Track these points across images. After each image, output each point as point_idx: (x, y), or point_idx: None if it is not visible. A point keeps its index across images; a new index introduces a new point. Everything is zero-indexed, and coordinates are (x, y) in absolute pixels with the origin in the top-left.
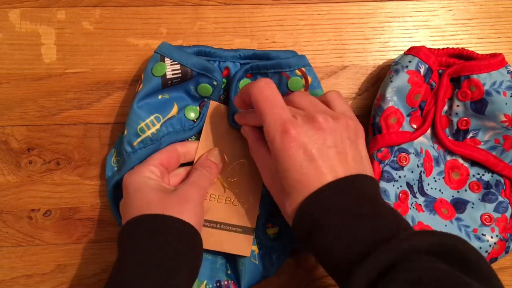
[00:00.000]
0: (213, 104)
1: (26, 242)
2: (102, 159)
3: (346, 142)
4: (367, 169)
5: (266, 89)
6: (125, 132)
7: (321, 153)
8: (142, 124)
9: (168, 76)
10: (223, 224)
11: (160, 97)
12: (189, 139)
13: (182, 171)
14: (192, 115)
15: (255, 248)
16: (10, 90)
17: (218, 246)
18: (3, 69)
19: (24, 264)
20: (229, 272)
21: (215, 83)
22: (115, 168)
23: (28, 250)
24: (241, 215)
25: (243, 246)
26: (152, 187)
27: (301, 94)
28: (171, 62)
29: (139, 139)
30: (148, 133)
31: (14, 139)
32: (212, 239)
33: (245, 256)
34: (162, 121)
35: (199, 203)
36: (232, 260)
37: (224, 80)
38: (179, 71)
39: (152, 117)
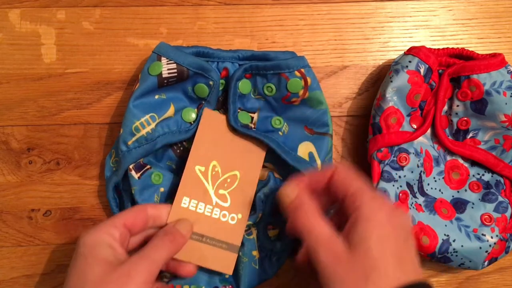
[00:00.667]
0: (206, 112)
1: (26, 242)
2: (102, 159)
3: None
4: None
5: (351, 168)
6: (121, 131)
7: (407, 248)
8: (137, 123)
9: (164, 75)
10: (208, 238)
11: (156, 97)
12: (184, 143)
13: (150, 231)
14: (189, 117)
15: (256, 253)
16: (10, 90)
17: (202, 261)
18: (3, 69)
19: (24, 264)
20: (227, 276)
21: (211, 82)
22: (114, 169)
23: (28, 250)
24: (227, 231)
25: (226, 263)
26: (99, 257)
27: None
28: (167, 61)
29: (134, 138)
30: (143, 132)
31: (14, 139)
32: (196, 254)
33: (244, 258)
34: (157, 120)
35: (146, 282)
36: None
37: (223, 81)
38: (175, 70)
39: (147, 116)
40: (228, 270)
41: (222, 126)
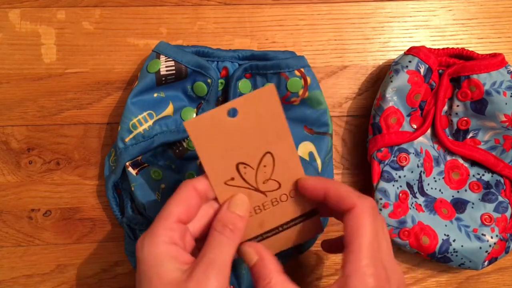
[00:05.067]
0: (187, 124)
1: (26, 242)
2: (102, 159)
3: None
4: None
5: (375, 209)
6: (119, 129)
7: None
8: (135, 120)
9: (162, 73)
10: (284, 224)
11: (155, 95)
12: (184, 143)
13: (208, 209)
14: (188, 117)
15: None
16: (10, 90)
17: (292, 242)
18: (3, 69)
19: (24, 264)
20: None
21: (209, 81)
22: (113, 167)
23: (28, 250)
24: (295, 206)
25: (314, 227)
26: (165, 279)
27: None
28: (166, 59)
29: (131, 136)
30: (140, 129)
31: (14, 139)
32: (282, 242)
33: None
34: (155, 118)
35: None
36: (233, 265)
37: (222, 80)
38: (173, 68)
39: (145, 114)
40: (320, 230)
41: (216, 124)
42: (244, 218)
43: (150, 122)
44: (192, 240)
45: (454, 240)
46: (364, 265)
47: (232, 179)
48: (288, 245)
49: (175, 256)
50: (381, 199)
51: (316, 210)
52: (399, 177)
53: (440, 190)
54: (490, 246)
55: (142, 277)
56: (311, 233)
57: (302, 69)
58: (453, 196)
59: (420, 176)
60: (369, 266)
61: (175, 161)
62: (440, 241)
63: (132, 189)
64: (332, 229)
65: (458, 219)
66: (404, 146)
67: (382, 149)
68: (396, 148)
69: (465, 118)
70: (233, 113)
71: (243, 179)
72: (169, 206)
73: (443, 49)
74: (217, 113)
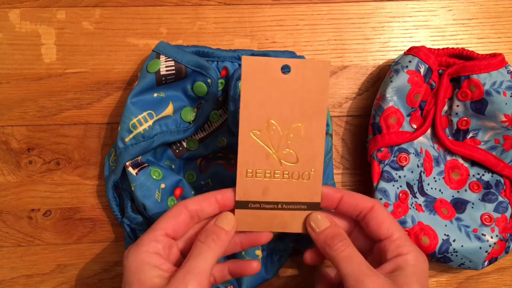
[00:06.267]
0: (246, 59)
1: (26, 242)
2: (102, 159)
3: None
4: None
5: (387, 209)
6: (119, 129)
7: None
8: (134, 120)
9: (162, 72)
10: (285, 203)
11: (155, 95)
12: (183, 143)
13: (200, 229)
14: (188, 117)
15: (259, 252)
16: (10, 90)
17: (283, 227)
18: (3, 69)
19: (24, 264)
20: None
21: (209, 80)
22: (113, 167)
23: (28, 250)
24: (303, 190)
25: None
26: (145, 284)
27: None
28: (166, 59)
29: (131, 135)
30: (140, 129)
31: (14, 139)
32: (275, 221)
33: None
34: (155, 118)
35: None
36: None
37: (222, 81)
38: (173, 68)
39: (144, 114)
40: None
41: (269, 73)
42: (229, 233)
43: (150, 122)
44: (179, 253)
45: (454, 240)
46: (403, 245)
47: (259, 131)
48: (278, 229)
49: (157, 264)
50: (381, 199)
51: (318, 206)
52: (399, 177)
53: (440, 190)
54: (490, 246)
55: (125, 283)
56: (305, 228)
57: None
58: (453, 196)
59: (420, 176)
60: (407, 246)
61: (175, 161)
62: (440, 241)
63: (132, 189)
64: None
65: (458, 219)
66: (404, 146)
67: (382, 149)
68: (396, 148)
69: (465, 118)
70: (287, 70)
71: (268, 136)
72: (158, 221)
73: (443, 49)
74: (273, 62)
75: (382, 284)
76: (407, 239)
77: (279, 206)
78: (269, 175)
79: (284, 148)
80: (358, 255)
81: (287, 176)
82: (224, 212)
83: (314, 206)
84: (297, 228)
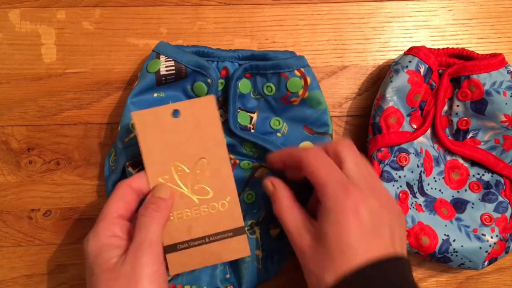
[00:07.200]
0: (135, 114)
1: (26, 242)
2: (102, 159)
3: (396, 222)
4: (405, 251)
5: (320, 153)
6: (119, 128)
7: (378, 225)
8: None
9: (162, 72)
10: (211, 235)
11: (155, 95)
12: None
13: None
14: None
15: (259, 252)
16: (10, 90)
17: (217, 259)
18: (3, 69)
19: (24, 264)
20: (228, 276)
21: (209, 80)
22: (113, 167)
23: (28, 250)
24: (225, 218)
25: (241, 248)
26: (103, 266)
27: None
28: (166, 58)
29: (130, 135)
30: None
31: (14, 139)
32: (208, 255)
33: (247, 258)
34: None
35: (154, 266)
36: (234, 264)
37: (222, 80)
38: (173, 68)
39: None
40: (246, 253)
41: (160, 121)
42: (166, 200)
43: None
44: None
45: (454, 240)
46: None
47: (167, 177)
48: (213, 261)
49: (118, 245)
50: None
51: (243, 230)
52: (399, 177)
53: (440, 190)
54: (490, 246)
55: (87, 270)
56: (236, 253)
57: (302, 69)
58: (453, 196)
59: (420, 176)
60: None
61: None
62: (440, 241)
63: None
64: None
65: (458, 219)
66: (404, 146)
67: (382, 149)
68: (396, 148)
69: (465, 118)
70: (176, 114)
71: (177, 179)
72: (108, 205)
73: (443, 49)
74: (162, 110)
75: (301, 245)
76: (329, 182)
77: (207, 240)
78: (189, 213)
79: (196, 184)
80: (292, 213)
81: (206, 209)
82: (159, 184)
83: (239, 231)
84: (231, 256)
